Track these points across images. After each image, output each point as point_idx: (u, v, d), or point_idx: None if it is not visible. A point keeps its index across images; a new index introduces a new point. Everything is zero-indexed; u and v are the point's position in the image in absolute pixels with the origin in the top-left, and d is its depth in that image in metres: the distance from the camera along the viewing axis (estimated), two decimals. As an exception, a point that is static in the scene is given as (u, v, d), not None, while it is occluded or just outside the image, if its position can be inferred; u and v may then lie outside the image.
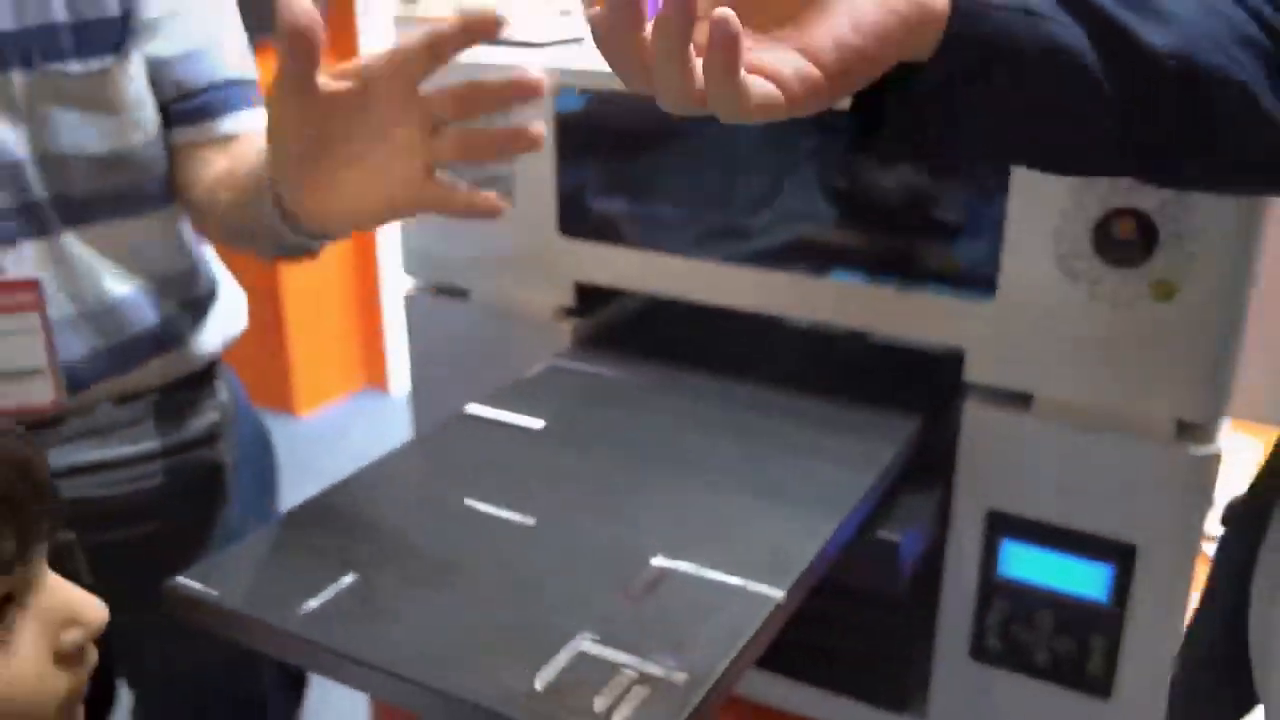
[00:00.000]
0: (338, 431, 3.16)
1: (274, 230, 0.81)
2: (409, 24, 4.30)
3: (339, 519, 0.75)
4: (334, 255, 3.14)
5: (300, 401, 3.23)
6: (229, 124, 0.94)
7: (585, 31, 1.15)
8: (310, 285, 3.12)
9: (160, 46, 0.90)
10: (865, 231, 0.91)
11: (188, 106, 0.93)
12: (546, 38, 1.10)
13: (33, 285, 0.87)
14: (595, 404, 0.94)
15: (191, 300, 1.00)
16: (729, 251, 0.96)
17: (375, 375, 3.37)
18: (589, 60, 0.99)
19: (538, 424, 0.90)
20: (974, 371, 0.87)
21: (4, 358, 0.87)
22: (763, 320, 1.01)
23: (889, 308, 0.90)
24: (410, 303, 1.16)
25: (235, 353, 1.08)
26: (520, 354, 1.06)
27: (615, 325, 1.11)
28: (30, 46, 0.84)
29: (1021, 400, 0.87)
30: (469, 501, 0.77)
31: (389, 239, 3.18)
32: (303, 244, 0.83)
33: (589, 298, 1.06)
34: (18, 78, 0.84)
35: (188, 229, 0.99)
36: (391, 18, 3.40)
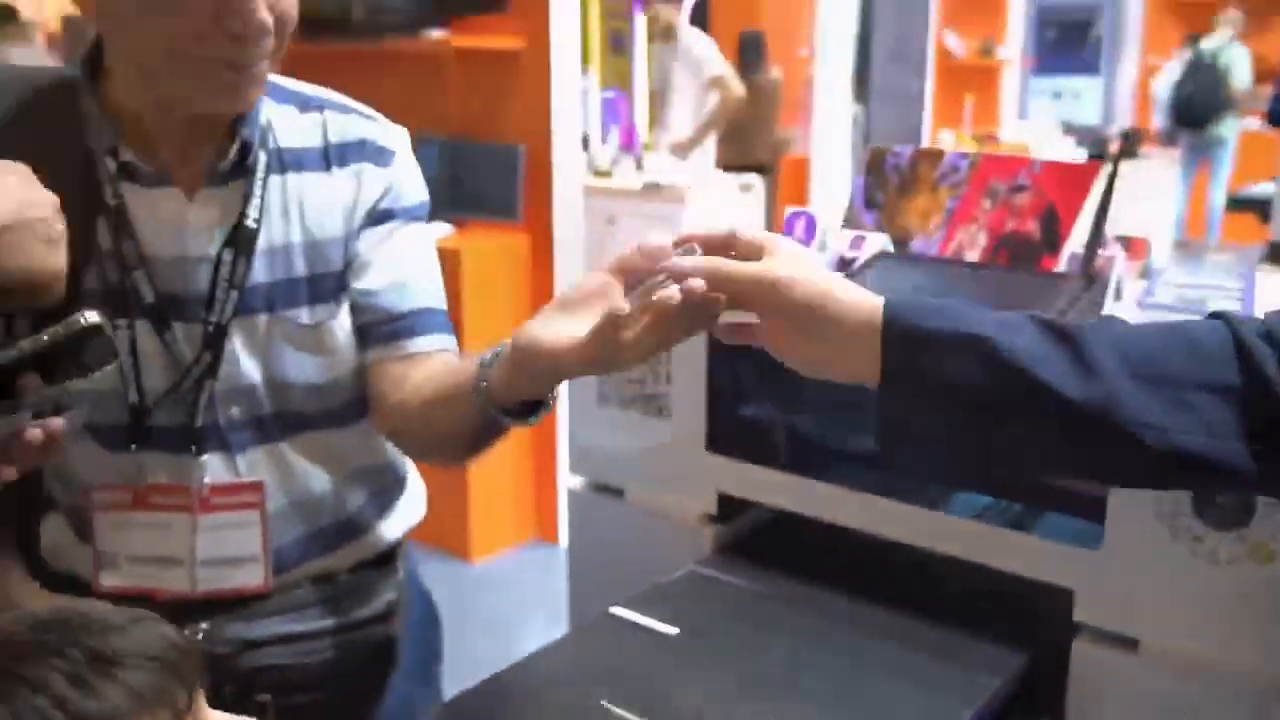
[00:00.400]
0: (506, 579, 3.32)
1: (471, 422, 0.95)
2: (602, 195, 4.58)
3: (491, 713, 0.87)
4: (515, 412, 3.33)
5: (474, 548, 3.41)
6: (422, 344, 1.08)
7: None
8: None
9: (369, 281, 1.07)
10: (987, 490, 0.99)
11: (386, 330, 1.08)
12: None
13: (258, 487, 1.04)
14: (725, 615, 1.04)
15: (382, 492, 1.15)
16: (858, 477, 1.05)
17: (546, 527, 3.52)
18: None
19: (673, 631, 0.99)
20: (1083, 612, 0.93)
21: (227, 547, 1.04)
22: (886, 541, 1.08)
23: (1003, 544, 0.96)
24: (572, 496, 1.28)
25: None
26: (666, 552, 1.17)
27: (752, 533, 1.21)
28: (275, 297, 1.03)
29: (1129, 644, 0.91)
30: (605, 704, 0.87)
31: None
32: (501, 424, 0.94)
33: (731, 505, 1.16)
34: (262, 320, 1.03)
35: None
36: (581, 186, 3.63)
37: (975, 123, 6.69)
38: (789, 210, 1.45)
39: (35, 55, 5.10)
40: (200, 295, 1.01)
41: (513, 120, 3.15)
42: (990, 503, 1.05)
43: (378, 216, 1.08)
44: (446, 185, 3.12)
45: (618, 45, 9.62)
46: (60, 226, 0.77)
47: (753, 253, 0.78)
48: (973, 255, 1.21)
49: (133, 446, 1.02)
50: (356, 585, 1.14)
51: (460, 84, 3.18)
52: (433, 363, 1.08)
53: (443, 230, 3.09)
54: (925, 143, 4.47)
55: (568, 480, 1.30)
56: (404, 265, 1.09)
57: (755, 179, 5.06)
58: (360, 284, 1.07)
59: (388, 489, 1.16)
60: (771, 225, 5.15)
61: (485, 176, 3.14)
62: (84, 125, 0.99)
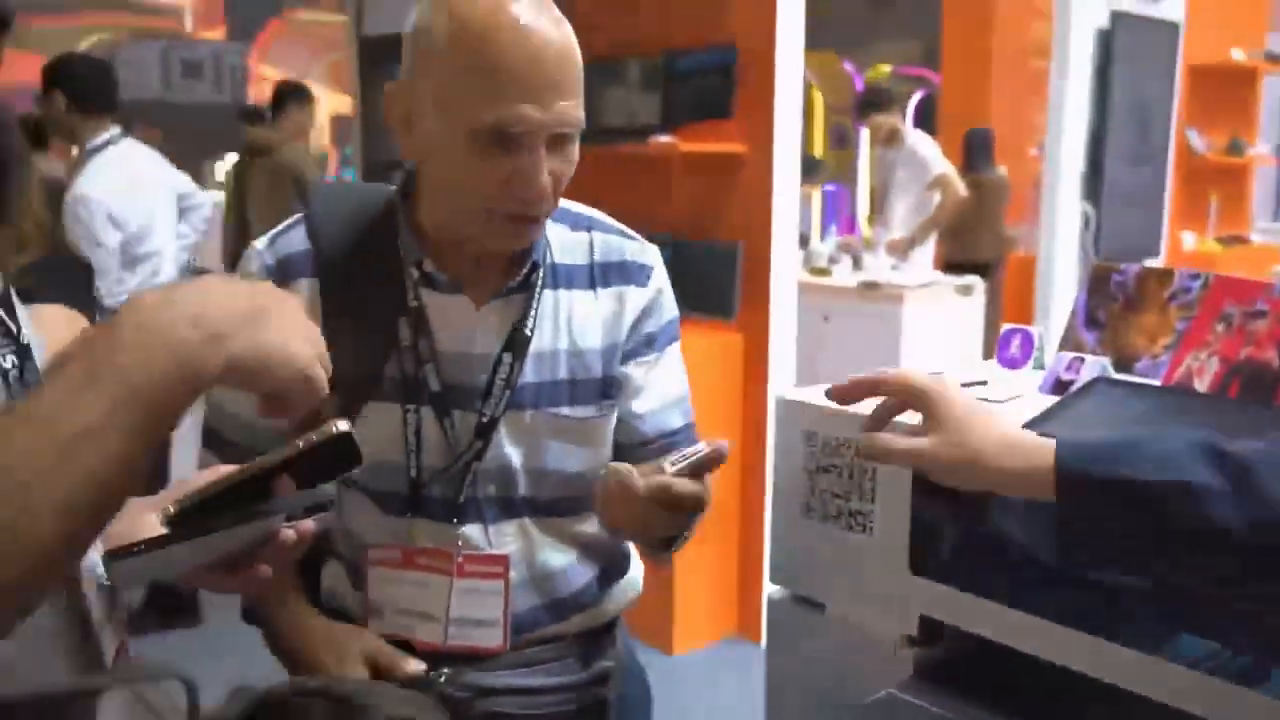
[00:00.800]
0: (705, 673, 3.31)
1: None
2: (819, 293, 4.60)
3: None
4: (719, 516, 3.36)
5: (676, 640, 3.42)
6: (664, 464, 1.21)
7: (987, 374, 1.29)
8: (702, 538, 3.35)
9: (636, 405, 1.22)
10: (1214, 633, 0.94)
11: (640, 452, 1.22)
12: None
13: (504, 560, 1.18)
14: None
15: (609, 569, 1.28)
16: (1069, 611, 1.01)
17: (748, 625, 3.50)
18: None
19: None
20: (1318, 780, 0.86)
21: (473, 610, 1.18)
22: (1097, 682, 1.03)
23: (1229, 699, 0.91)
24: (772, 604, 1.29)
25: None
26: (865, 669, 1.16)
27: (955, 659, 1.17)
28: (540, 395, 1.18)
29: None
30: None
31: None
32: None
33: (934, 629, 1.14)
34: (528, 415, 1.17)
35: None
36: (796, 281, 3.66)
37: (1221, 224, 6.32)
38: (1006, 327, 1.43)
39: (300, 151, 5.63)
40: (478, 389, 1.16)
41: (733, 219, 3.24)
42: (1216, 649, 0.99)
43: (641, 340, 1.23)
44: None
45: (840, 139, 9.69)
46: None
47: (915, 405, 0.91)
48: (1201, 384, 1.16)
49: (407, 514, 1.18)
50: (581, 650, 1.26)
51: (684, 184, 3.29)
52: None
53: (660, 325, 3.18)
54: (1164, 244, 4.26)
55: (768, 588, 1.31)
56: (663, 390, 1.24)
57: (976, 281, 4.95)
58: (627, 406, 1.23)
59: (614, 566, 1.29)
60: (991, 331, 5.01)
61: (703, 274, 3.21)
62: (397, 238, 1.16)
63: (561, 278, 1.19)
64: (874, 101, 5.49)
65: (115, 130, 3.46)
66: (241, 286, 0.74)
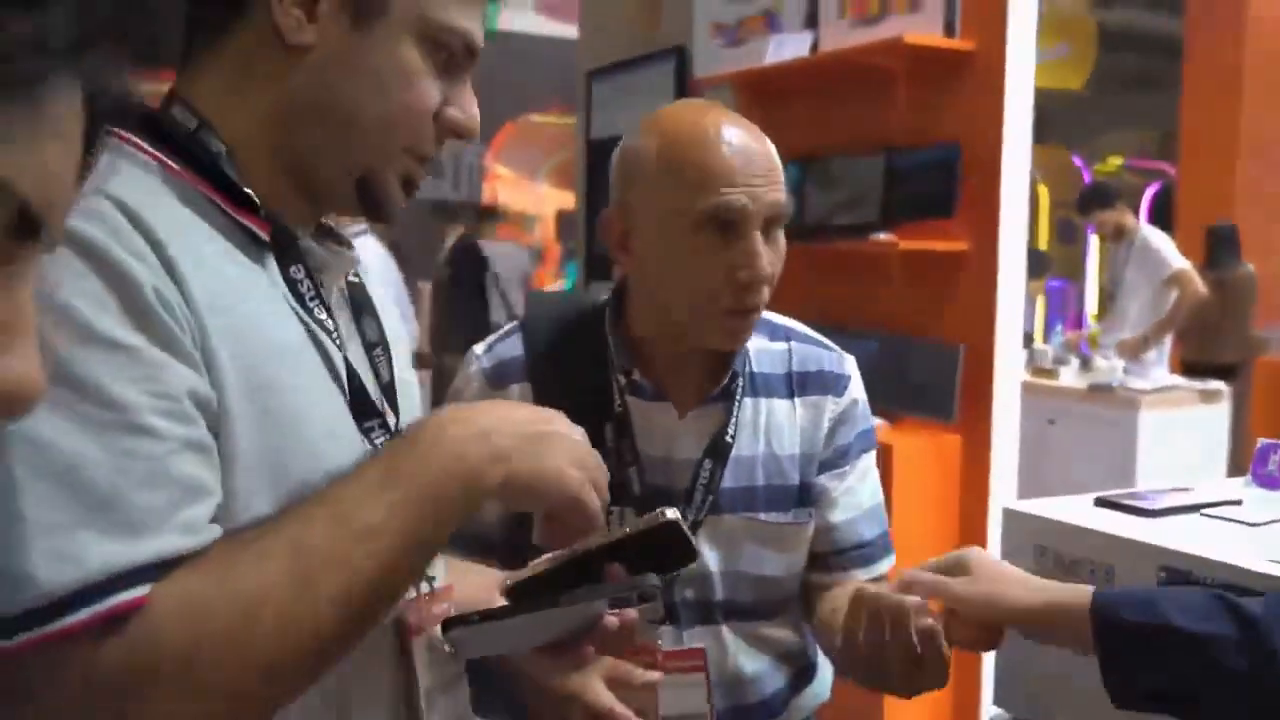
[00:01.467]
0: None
1: None
2: (1043, 395, 4.39)
3: None
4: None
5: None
6: (859, 575, 1.23)
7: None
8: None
9: (833, 515, 1.23)
10: None
11: (835, 560, 1.23)
12: (1158, 503, 1.16)
13: (700, 652, 1.18)
14: None
15: (799, 674, 1.27)
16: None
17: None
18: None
19: None
20: None
21: (680, 704, 1.17)
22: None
23: None
24: (996, 728, 1.22)
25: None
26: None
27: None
28: (737, 500, 1.20)
29: None
30: None
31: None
32: None
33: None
34: (726, 519, 1.20)
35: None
36: (1020, 382, 3.51)
37: None
38: (1264, 441, 1.32)
39: (511, 249, 5.95)
40: (679, 493, 1.18)
41: (954, 319, 3.15)
42: None
43: (836, 450, 1.24)
44: (882, 380, 3.15)
45: (1067, 234, 9.32)
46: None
47: (948, 566, 0.99)
48: None
49: None
50: None
51: (904, 282, 3.23)
52: (854, 586, 1.18)
53: (875, 424, 3.11)
54: None
55: (989, 710, 1.25)
56: (859, 499, 1.24)
57: (1220, 386, 4.59)
58: (823, 517, 1.23)
59: (804, 671, 1.28)
60: (1237, 443, 4.62)
61: (923, 374, 3.13)
62: (605, 346, 1.20)
63: (760, 386, 1.22)
64: (1097, 196, 5.19)
65: (363, 225, 3.73)
66: (531, 413, 0.80)
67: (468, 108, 0.83)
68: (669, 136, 1.13)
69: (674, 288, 1.14)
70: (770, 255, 1.12)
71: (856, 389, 1.27)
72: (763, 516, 1.20)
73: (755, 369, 1.22)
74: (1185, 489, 1.27)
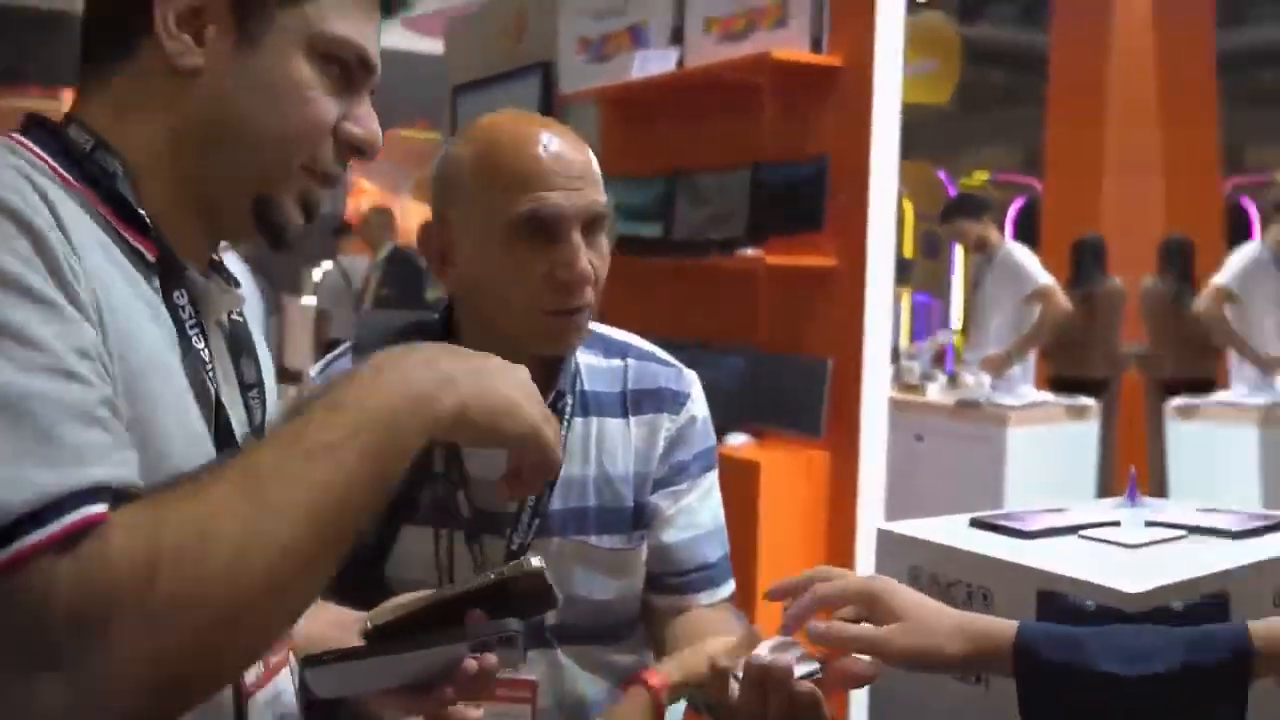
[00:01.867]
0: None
1: None
2: (912, 411, 4.40)
3: None
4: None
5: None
6: (701, 599, 1.21)
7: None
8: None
9: (667, 534, 1.19)
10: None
11: (673, 583, 1.20)
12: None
13: (531, 685, 1.15)
14: None
15: None
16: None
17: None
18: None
19: None
20: None
21: None
22: None
23: None
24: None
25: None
26: None
27: None
28: (567, 522, 1.17)
29: None
30: None
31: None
32: None
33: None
34: (555, 542, 1.16)
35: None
36: (888, 399, 3.50)
37: None
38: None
39: (359, 263, 6.29)
40: (508, 516, 1.16)
41: (822, 334, 3.12)
42: None
43: (673, 469, 1.21)
44: (750, 396, 3.10)
45: (931, 248, 9.52)
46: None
47: (864, 604, 0.93)
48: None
49: None
50: None
51: (771, 298, 3.20)
52: (699, 616, 1.20)
53: (742, 441, 3.06)
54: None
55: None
56: (698, 518, 1.21)
57: (1089, 402, 4.63)
58: (656, 538, 1.20)
59: None
60: (1108, 459, 4.70)
61: (791, 390, 3.10)
62: None
63: (592, 405, 1.20)
64: (963, 206, 5.16)
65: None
66: (466, 351, 0.79)
67: (367, 123, 0.84)
68: (484, 144, 1.14)
69: (497, 296, 1.12)
70: (593, 257, 1.11)
71: (697, 406, 1.24)
72: (594, 540, 1.18)
73: (587, 387, 1.20)
74: (1060, 509, 1.23)
